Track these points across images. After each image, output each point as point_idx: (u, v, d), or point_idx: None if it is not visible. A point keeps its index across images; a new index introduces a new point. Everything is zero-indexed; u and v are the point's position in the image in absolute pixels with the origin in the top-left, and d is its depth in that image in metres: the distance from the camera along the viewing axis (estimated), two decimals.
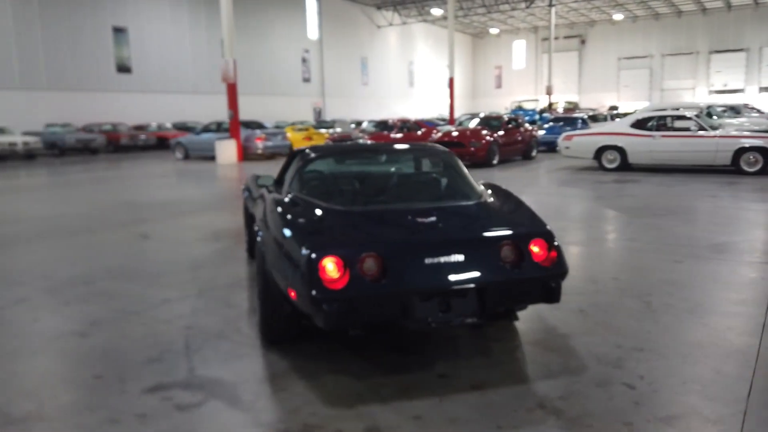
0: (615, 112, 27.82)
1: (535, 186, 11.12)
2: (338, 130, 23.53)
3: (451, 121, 31.04)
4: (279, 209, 3.33)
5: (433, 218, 3.19)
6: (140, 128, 27.15)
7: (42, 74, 26.55)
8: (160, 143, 26.19)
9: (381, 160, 4.39)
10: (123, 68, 29.77)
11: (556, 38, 51.33)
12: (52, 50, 26.78)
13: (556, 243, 3.11)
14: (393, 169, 4.28)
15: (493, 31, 56.63)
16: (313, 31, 40.63)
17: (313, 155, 3.98)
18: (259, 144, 18.53)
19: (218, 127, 19.74)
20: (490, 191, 3.83)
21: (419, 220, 3.15)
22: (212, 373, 3.19)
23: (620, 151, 12.92)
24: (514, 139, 16.36)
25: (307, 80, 40.55)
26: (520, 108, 34.41)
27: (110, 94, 29.15)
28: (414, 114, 48.14)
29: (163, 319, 4.06)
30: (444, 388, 2.97)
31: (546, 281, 3.02)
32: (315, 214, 3.25)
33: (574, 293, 4.46)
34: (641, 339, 3.55)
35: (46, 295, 4.67)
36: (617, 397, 2.84)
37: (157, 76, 31.21)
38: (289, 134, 20.73)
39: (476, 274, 2.89)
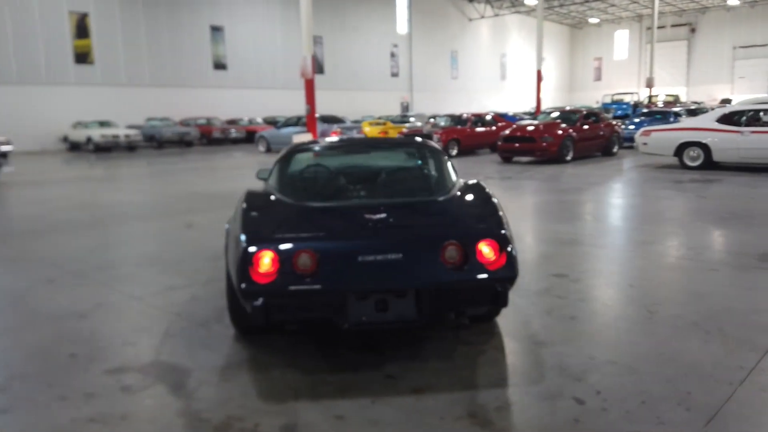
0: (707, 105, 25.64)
1: (599, 184, 10.53)
2: (417, 124, 23.50)
3: (537, 114, 30.01)
4: (243, 203, 3.39)
5: (383, 215, 3.10)
6: (232, 122, 28.50)
7: (145, 72, 28.53)
8: (250, 137, 27.35)
9: (361, 156, 4.34)
10: (219, 65, 31.36)
11: (663, 27, 48.20)
12: (155, 49, 28.68)
13: (509, 247, 2.93)
14: (369, 164, 4.21)
15: (593, 20, 54.03)
16: (402, 25, 40.73)
17: (293, 150, 4.00)
18: (335, 138, 18.85)
19: (297, 122, 20.32)
20: (462, 188, 3.67)
21: (368, 216, 3.08)
22: (173, 360, 3.31)
23: (704, 147, 11.93)
24: (593, 134, 15.55)
25: (395, 75, 40.76)
26: (613, 101, 32.59)
27: (207, 90, 30.81)
28: (505, 108, 47.03)
29: (158, 305, 4.25)
30: (384, 390, 2.90)
31: (491, 285, 2.85)
32: (272, 208, 3.27)
33: (575, 299, 4.18)
34: (620, 352, 3.27)
35: (71, 277, 5.04)
36: (559, 412, 2.65)
37: (251, 73, 32.58)
38: (366, 129, 20.96)
39: (413, 274, 2.79)
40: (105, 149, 23.08)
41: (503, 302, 2.88)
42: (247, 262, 2.76)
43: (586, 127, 15.44)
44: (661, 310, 3.91)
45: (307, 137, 18.53)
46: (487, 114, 19.44)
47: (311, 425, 2.59)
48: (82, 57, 26.42)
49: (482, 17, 46.23)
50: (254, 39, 32.56)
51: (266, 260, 2.77)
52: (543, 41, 31.95)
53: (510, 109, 43.43)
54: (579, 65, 58.48)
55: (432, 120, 20.28)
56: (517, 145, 14.76)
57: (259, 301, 2.73)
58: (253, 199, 3.42)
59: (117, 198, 10.07)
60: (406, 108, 41.10)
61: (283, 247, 2.80)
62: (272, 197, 3.47)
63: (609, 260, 5.24)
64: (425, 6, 42.06)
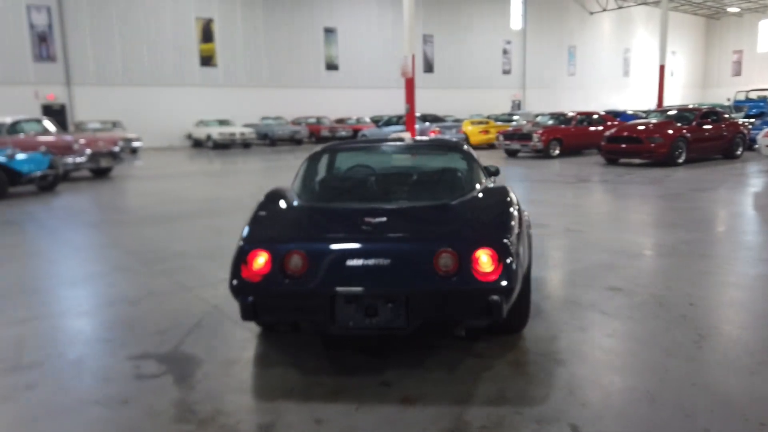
0: None
1: (706, 190, 9.59)
2: (523, 122, 22.80)
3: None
4: (261, 200, 3.46)
5: (383, 219, 3.03)
6: (340, 121, 29.32)
7: (263, 73, 30.13)
8: (357, 135, 27.99)
9: (383, 157, 4.26)
10: (331, 66, 32.39)
11: None
12: (272, 52, 30.20)
13: (508, 257, 2.75)
14: (390, 167, 4.13)
15: (733, 10, 49.31)
16: (516, 21, 39.68)
17: (317, 152, 4.04)
18: (433, 137, 18.79)
19: (398, 120, 20.49)
20: (481, 193, 3.50)
21: (368, 220, 3.02)
22: (192, 351, 3.46)
23: None
24: (711, 135, 14.22)
25: (506, 72, 39.81)
26: (747, 98, 29.54)
27: (319, 90, 31.95)
28: (627, 106, 44.30)
29: (203, 297, 4.47)
30: (374, 396, 2.84)
31: (484, 295, 2.69)
32: (281, 208, 3.31)
33: (620, 316, 3.84)
34: (646, 378, 2.96)
35: (139, 266, 5.43)
36: None
37: (361, 72, 33.32)
38: (468, 127, 20.68)
39: (402, 280, 2.70)
40: (223, 146, 24.67)
41: (497, 315, 2.70)
42: (240, 259, 2.82)
43: (704, 126, 14.13)
44: (715, 335, 3.49)
45: (405, 135, 18.63)
46: (595, 113, 18.42)
47: (288, 426, 2.59)
48: (207, 60, 28.40)
49: (604, 10, 43.86)
50: (365, 39, 33.25)
51: (260, 260, 2.82)
52: (674, 34, 29.72)
53: (632, 108, 40.85)
54: (715, 59, 53.69)
55: (537, 118, 19.56)
56: (623, 146, 13.86)
57: (249, 300, 2.77)
58: (269, 199, 3.49)
59: (215, 193, 10.72)
60: (517, 106, 40.04)
61: (277, 247, 2.82)
62: (286, 197, 3.51)
63: (680, 276, 4.76)
64: (542, 0, 40.66)
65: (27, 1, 24.01)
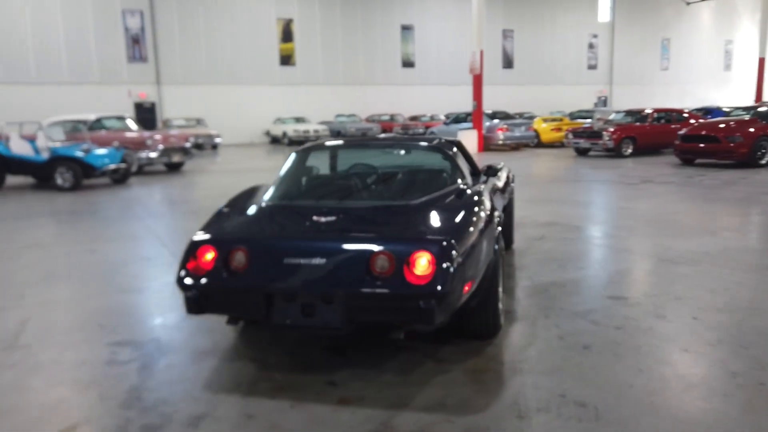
0: None
1: None
2: (606, 118, 21.80)
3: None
4: (232, 197, 3.54)
5: (332, 218, 3.02)
6: (414, 119, 29.33)
7: (340, 71, 30.67)
8: (426, 132, 27.93)
9: (362, 155, 4.20)
10: (407, 63, 32.45)
11: None
12: (349, 50, 30.68)
13: (446, 262, 2.66)
14: (366, 165, 4.08)
15: None
16: (604, 13, 37.99)
17: (302, 149, 4.06)
18: (500, 135, 18.41)
19: (466, 118, 20.20)
20: (446, 193, 3.40)
21: (316, 219, 3.02)
22: (170, 339, 3.60)
23: None
24: None
25: (592, 67, 38.24)
26: None
27: (394, 87, 32.12)
28: (730, 102, 41.29)
29: None
30: (314, 395, 2.84)
31: (415, 300, 2.61)
32: (245, 205, 3.37)
33: (610, 326, 3.62)
34: (605, 390, 2.77)
35: (165, 257, 5.71)
36: None
37: (437, 69, 33.16)
38: (541, 125, 20.06)
39: (335, 281, 2.68)
40: (297, 143, 25.37)
41: (428, 321, 2.63)
42: (189, 253, 2.91)
43: None
44: (706, 350, 3.21)
45: (471, 134, 18.37)
46: (677, 109, 17.31)
47: (218, 419, 2.65)
48: (286, 59, 29.29)
49: (702, 0, 41.06)
50: (442, 36, 33.05)
51: (207, 255, 2.89)
52: None
53: (731, 104, 38.05)
54: None
55: (611, 115, 18.64)
56: (701, 145, 12.94)
57: (192, 293, 2.86)
58: (240, 196, 3.58)
59: None
60: (603, 103, 38.37)
61: (223, 243, 2.88)
62: (256, 194, 3.58)
63: (698, 285, 4.40)
64: None
65: (122, 5, 25.77)
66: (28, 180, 12.84)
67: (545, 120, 20.45)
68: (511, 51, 35.44)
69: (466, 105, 33.22)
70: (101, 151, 11.63)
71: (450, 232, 2.82)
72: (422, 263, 2.66)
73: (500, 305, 3.55)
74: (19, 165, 11.49)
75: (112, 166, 11.56)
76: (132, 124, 14.93)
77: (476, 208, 3.16)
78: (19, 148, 11.52)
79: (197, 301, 2.85)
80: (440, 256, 2.66)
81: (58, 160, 11.10)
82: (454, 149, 3.90)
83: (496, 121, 19.00)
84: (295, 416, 2.67)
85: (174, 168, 14.82)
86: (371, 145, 4.16)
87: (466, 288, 2.80)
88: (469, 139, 18.36)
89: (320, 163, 4.23)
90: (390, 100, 31.79)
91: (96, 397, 2.89)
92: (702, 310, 3.86)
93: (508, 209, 5.26)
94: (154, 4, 26.34)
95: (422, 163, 4.04)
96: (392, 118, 28.82)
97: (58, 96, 24.44)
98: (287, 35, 29.24)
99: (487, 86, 34.43)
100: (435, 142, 3.96)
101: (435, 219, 3.00)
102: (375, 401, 2.77)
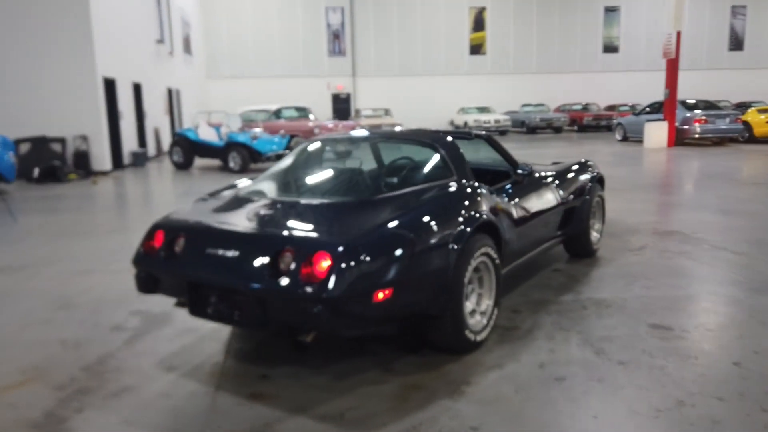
0: None
1: None
2: None
3: None
4: (223, 186, 3.65)
5: (270, 212, 2.93)
6: (611, 108, 27.01)
7: (532, 59, 29.52)
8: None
9: (356, 150, 3.92)
10: (609, 48, 29.99)
11: None
12: (544, 37, 29.32)
13: (343, 264, 2.43)
14: (354, 159, 3.81)
15: None
16: None
17: (304, 143, 3.99)
18: (697, 127, 16.08)
19: (660, 108, 18.01)
20: (425, 189, 3.10)
21: (256, 212, 2.96)
22: (167, 314, 3.82)
23: None
24: None
25: None
26: None
27: (592, 75, 29.95)
28: None
29: None
30: (238, 384, 2.84)
31: (306, 302, 2.43)
32: (217, 195, 3.44)
33: (612, 361, 3.00)
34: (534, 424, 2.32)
35: None
36: None
37: (645, 54, 30.09)
38: (756, 116, 17.08)
39: (241, 275, 2.61)
40: None
41: (320, 326, 2.43)
42: (147, 235, 3.07)
43: None
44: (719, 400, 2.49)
45: (660, 126, 16.38)
46: None
47: (130, 389, 2.79)
48: (476, 48, 29.04)
49: None
50: (652, 17, 29.79)
51: (159, 238, 3.02)
52: None
53: None
54: None
55: None
56: None
57: (138, 272, 3.02)
58: (225, 186, 3.68)
59: None
60: None
61: (170, 228, 2.99)
62: (239, 186, 3.62)
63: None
64: None
65: (326, 3, 27.83)
66: (210, 162, 14.70)
67: (762, 111, 17.33)
68: (742, 30, 30.63)
69: (681, 92, 29.66)
70: (269, 138, 12.79)
71: (366, 234, 2.59)
72: (322, 264, 2.48)
73: (482, 318, 3.17)
74: (204, 149, 13.19)
75: (278, 152, 12.64)
76: (311, 114, 16.14)
77: (433, 208, 2.86)
78: (205, 134, 13.21)
79: (143, 281, 3.01)
80: (337, 258, 2.45)
81: (231, 145, 12.50)
82: (448, 145, 3.52)
83: (698, 111, 16.56)
84: (201, 402, 2.70)
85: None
86: (366, 140, 3.94)
87: (381, 295, 2.55)
88: (658, 131, 16.37)
89: (307, 157, 4.09)
90: (586, 89, 29.69)
91: (73, 359, 3.24)
92: None
93: (579, 213, 4.63)
94: (353, 1, 27.98)
95: (411, 158, 3.74)
96: (585, 107, 26.87)
97: (270, 88, 27.35)
98: (478, 24, 28.91)
99: (707, 71, 30.30)
100: (426, 137, 3.61)
101: (364, 219, 2.75)
102: (283, 401, 2.68)
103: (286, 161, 3.82)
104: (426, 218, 2.84)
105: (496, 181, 4.27)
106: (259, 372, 2.99)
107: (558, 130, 25.43)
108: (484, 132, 4.08)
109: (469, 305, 3.18)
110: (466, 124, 25.39)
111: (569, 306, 3.80)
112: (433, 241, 2.80)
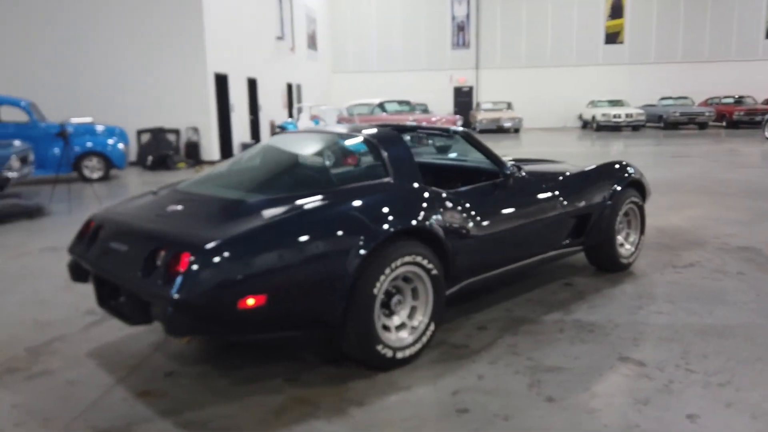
0: None
1: None
2: None
3: None
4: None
5: (179, 207, 2.83)
6: None
7: (678, 48, 26.80)
8: None
9: (310, 148, 3.64)
10: None
11: None
12: (692, 23, 26.50)
13: (197, 265, 2.28)
14: (312, 155, 3.56)
15: None
16: None
17: (274, 138, 3.82)
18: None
19: None
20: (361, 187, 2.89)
21: (167, 206, 2.89)
22: None
23: None
24: None
25: None
26: None
27: (752, 64, 26.49)
28: None
29: None
30: (144, 380, 2.82)
31: (159, 302, 2.31)
32: (165, 189, 3.40)
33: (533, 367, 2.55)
34: None
35: None
36: None
37: None
38: None
39: (125, 270, 2.56)
40: (607, 128, 23.28)
41: (168, 329, 2.30)
42: (84, 224, 3.14)
43: None
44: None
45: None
46: None
47: (47, 374, 2.88)
48: (613, 37, 26.98)
49: None
50: None
51: (89, 227, 3.07)
52: None
53: None
54: None
55: None
56: None
57: (70, 260, 3.10)
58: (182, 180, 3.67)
59: None
60: None
61: (98, 219, 3.03)
62: (195, 180, 3.57)
63: None
64: None
65: None
66: None
67: None
68: None
69: None
70: None
71: (242, 235, 2.41)
72: (184, 264, 2.36)
73: (409, 335, 2.88)
74: None
75: None
76: (414, 108, 16.04)
77: (338, 210, 2.65)
78: (303, 125, 13.64)
79: (72, 270, 3.08)
80: (196, 259, 2.32)
81: None
82: (389, 142, 3.18)
83: None
84: (93, 393, 2.71)
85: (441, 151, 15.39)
86: (321, 137, 3.68)
87: (251, 302, 2.37)
88: None
89: (265, 152, 3.88)
90: (741, 80, 26.30)
91: (43, 340, 3.44)
92: None
93: (599, 221, 4.04)
94: None
95: (347, 156, 3.46)
96: (738, 100, 23.81)
97: (392, 81, 27.57)
98: (616, 11, 26.77)
99: None
100: (367, 132, 3.29)
101: (253, 218, 2.56)
102: (165, 402, 2.61)
103: (244, 155, 3.74)
104: (321, 221, 2.60)
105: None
106: (168, 368, 2.95)
107: (703, 125, 22.82)
108: (462, 129, 3.70)
109: (396, 319, 2.90)
110: (593, 118, 23.72)
111: (545, 328, 3.33)
112: (325, 245, 2.55)
